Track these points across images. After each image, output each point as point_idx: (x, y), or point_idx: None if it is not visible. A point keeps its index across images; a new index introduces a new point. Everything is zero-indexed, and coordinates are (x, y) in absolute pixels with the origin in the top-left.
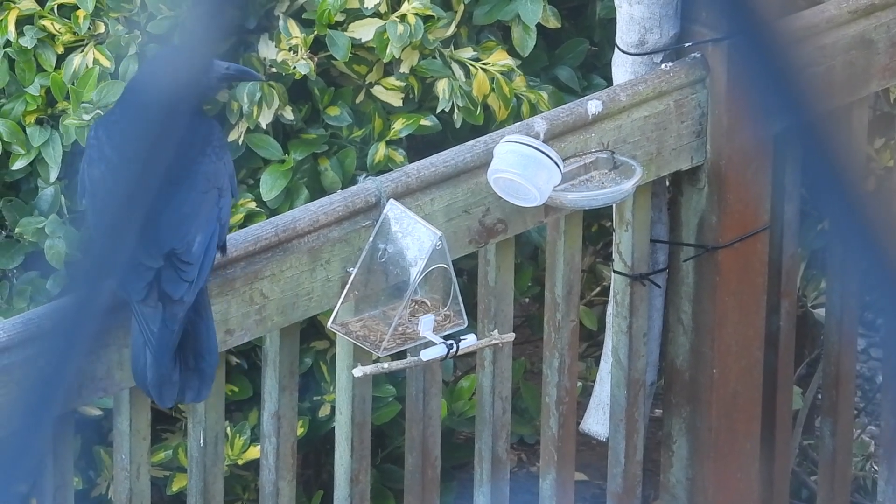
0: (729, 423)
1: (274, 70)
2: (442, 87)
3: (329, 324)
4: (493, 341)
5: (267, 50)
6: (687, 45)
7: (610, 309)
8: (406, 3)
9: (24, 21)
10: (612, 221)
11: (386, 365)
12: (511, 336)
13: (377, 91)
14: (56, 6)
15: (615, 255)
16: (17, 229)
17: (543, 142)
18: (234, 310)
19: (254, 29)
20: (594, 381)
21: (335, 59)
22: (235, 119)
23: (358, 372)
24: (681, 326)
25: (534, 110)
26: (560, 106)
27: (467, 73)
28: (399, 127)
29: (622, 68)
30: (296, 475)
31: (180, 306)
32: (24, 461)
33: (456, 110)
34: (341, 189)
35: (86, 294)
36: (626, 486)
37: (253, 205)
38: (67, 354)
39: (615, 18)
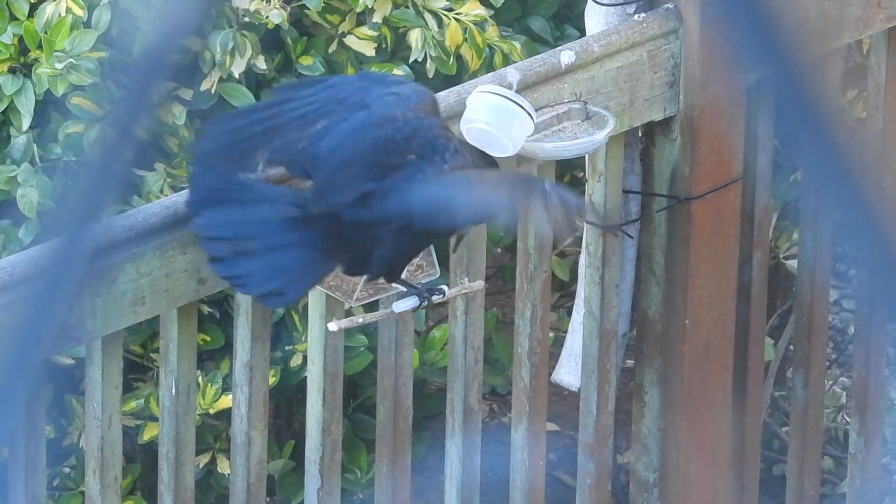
0: (701, 374)
1: (247, 20)
2: (415, 37)
3: None
4: (463, 290)
5: None
6: None
7: (582, 259)
8: None
9: None
10: (584, 172)
11: (360, 319)
12: (480, 284)
13: (350, 41)
14: None
15: (588, 206)
16: None
17: (516, 92)
18: (206, 259)
19: None
20: (566, 332)
21: (308, 9)
22: (208, 69)
23: (333, 326)
24: (653, 277)
25: (507, 60)
26: (533, 56)
27: (440, 23)
28: None
29: (595, 19)
30: (268, 425)
31: None
32: (6, 411)
33: (429, 60)
34: None
35: (71, 238)
36: (598, 437)
37: None
38: (51, 301)
39: None
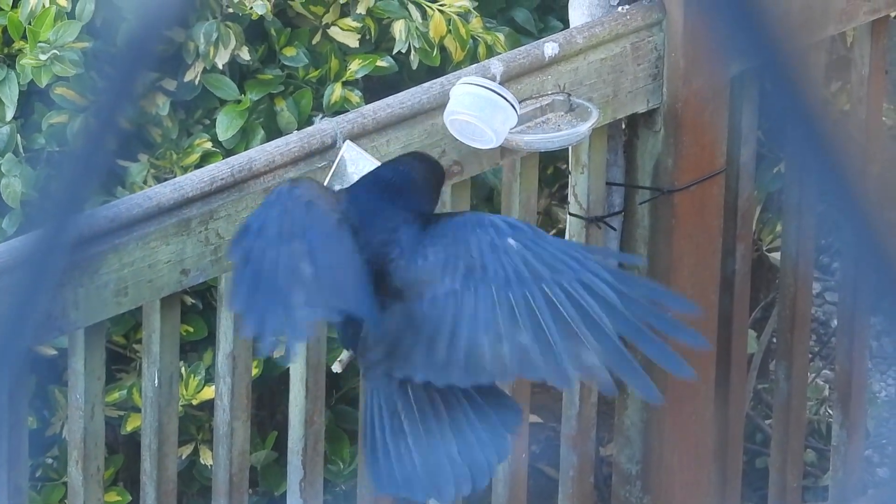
0: None
1: (230, 10)
2: (398, 28)
3: None
4: None
5: None
6: None
7: None
8: None
9: None
10: (567, 164)
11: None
12: None
13: (334, 32)
14: None
15: (571, 198)
16: None
17: (500, 84)
18: (189, 250)
19: None
20: None
21: (292, 0)
22: (192, 59)
23: (337, 367)
24: (636, 269)
25: (490, 52)
26: (517, 48)
27: (424, 15)
28: (355, 68)
29: (579, 11)
30: (250, 416)
31: None
32: None
33: (412, 52)
34: (297, 130)
35: (55, 227)
36: (581, 429)
37: (209, 145)
38: (35, 291)
39: None
